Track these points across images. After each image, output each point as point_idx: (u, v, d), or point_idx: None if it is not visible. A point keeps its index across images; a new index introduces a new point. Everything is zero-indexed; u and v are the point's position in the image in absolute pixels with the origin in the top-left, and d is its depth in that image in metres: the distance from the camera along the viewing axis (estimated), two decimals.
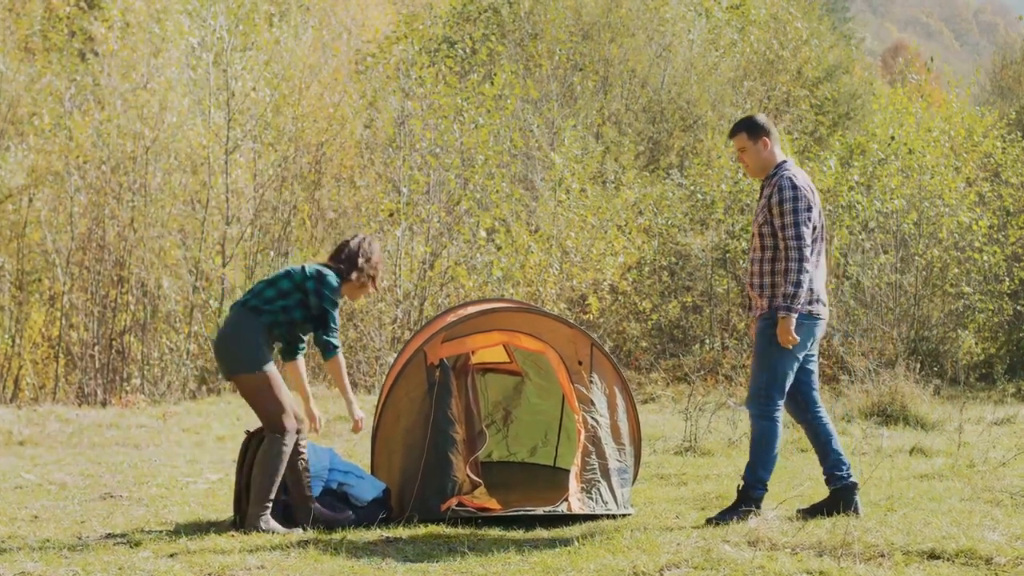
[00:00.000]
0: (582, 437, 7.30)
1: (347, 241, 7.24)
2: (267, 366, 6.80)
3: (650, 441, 11.10)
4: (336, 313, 6.97)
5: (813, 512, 7.03)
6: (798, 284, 6.78)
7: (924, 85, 22.58)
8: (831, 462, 7.10)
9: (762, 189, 7.09)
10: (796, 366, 7.00)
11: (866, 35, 63.82)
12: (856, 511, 6.99)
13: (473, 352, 7.84)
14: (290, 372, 7.17)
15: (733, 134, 7.18)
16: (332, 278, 6.97)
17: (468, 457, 7.49)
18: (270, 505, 6.81)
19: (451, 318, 7.87)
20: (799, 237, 6.79)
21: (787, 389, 7.03)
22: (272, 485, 6.79)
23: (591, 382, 7.45)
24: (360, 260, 7.13)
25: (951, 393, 16.35)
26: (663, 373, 18.20)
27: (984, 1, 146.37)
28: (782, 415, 7.04)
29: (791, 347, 6.88)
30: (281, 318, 6.88)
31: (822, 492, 7.98)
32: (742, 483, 7.06)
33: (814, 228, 6.94)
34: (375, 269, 7.20)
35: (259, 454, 6.83)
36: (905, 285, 19.36)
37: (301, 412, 7.05)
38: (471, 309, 8.01)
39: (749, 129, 7.10)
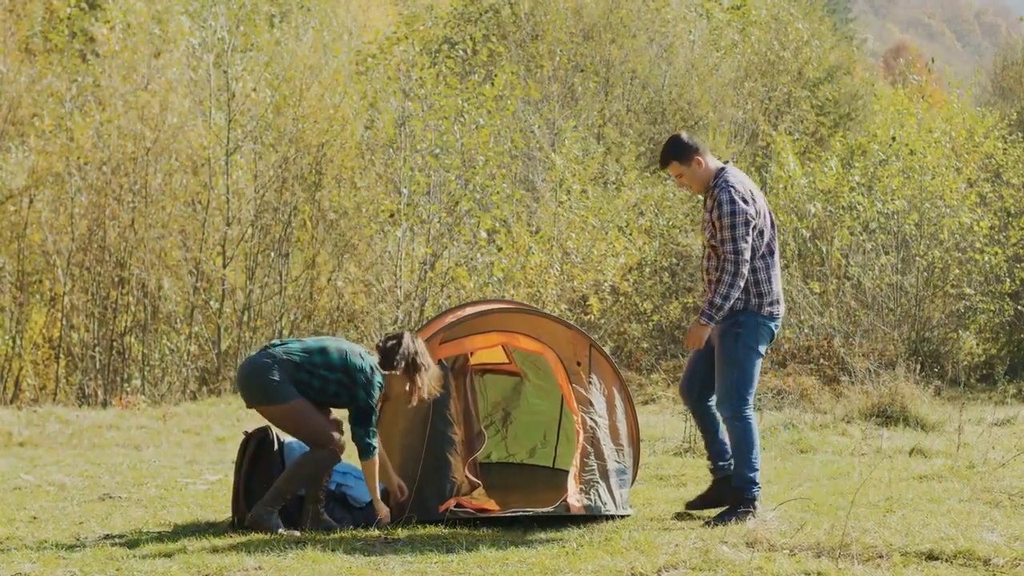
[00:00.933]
0: (581, 438, 7.29)
1: (399, 341, 7.05)
2: (292, 399, 6.81)
3: (650, 442, 11.08)
4: (376, 414, 6.94)
5: (701, 504, 7.25)
6: (726, 298, 6.87)
7: (925, 86, 22.57)
8: (716, 451, 7.31)
9: (705, 201, 7.09)
10: (760, 363, 7.12)
11: (868, 36, 63.80)
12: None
13: (472, 353, 7.83)
14: (363, 470, 7.04)
15: (665, 164, 7.11)
16: (379, 379, 6.94)
17: (467, 458, 7.48)
18: (283, 505, 6.83)
19: (450, 319, 7.86)
20: (737, 252, 6.84)
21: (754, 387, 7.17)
22: (296, 489, 6.86)
23: (590, 383, 7.44)
24: (421, 370, 6.99)
25: (952, 394, 16.34)
26: (664, 374, 18.20)
27: (986, 2, 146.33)
28: (754, 411, 7.16)
29: (757, 347, 7.01)
30: (316, 384, 6.87)
31: (821, 492, 8.01)
32: (736, 486, 7.09)
33: (761, 232, 6.99)
34: (424, 384, 7.04)
35: (302, 456, 6.88)
36: (906, 286, 19.35)
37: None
38: (469, 310, 8.01)
39: (678, 155, 7.03)
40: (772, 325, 7.08)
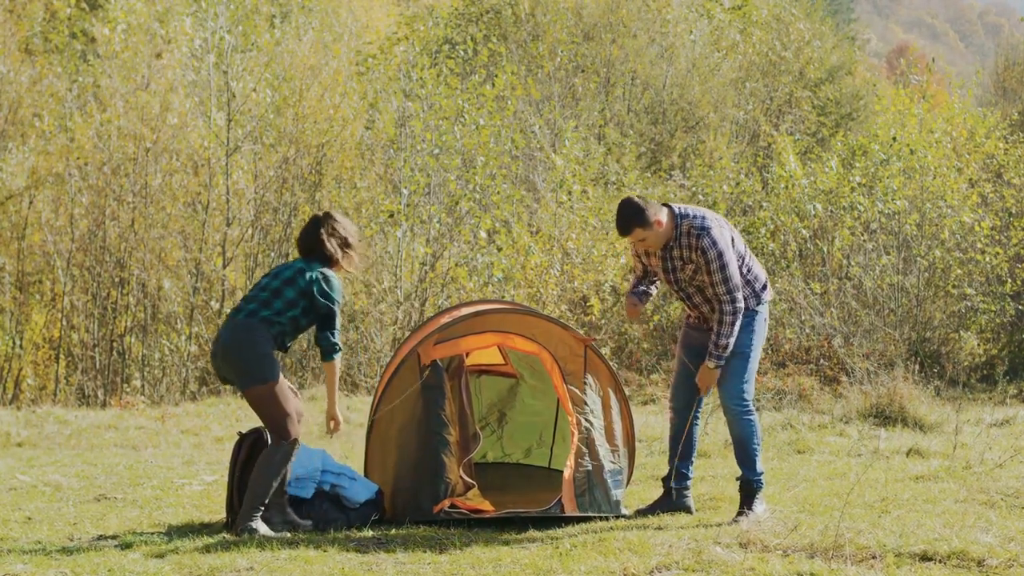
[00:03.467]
0: (575, 439, 7.29)
1: (316, 235, 7.07)
2: (279, 375, 6.82)
3: (647, 442, 11.07)
4: (338, 314, 6.96)
5: (652, 510, 7.43)
6: (731, 335, 7.02)
7: (927, 86, 22.53)
8: (689, 462, 7.50)
9: (671, 249, 7.12)
10: None
11: (871, 36, 63.73)
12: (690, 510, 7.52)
13: (467, 354, 7.83)
14: (326, 372, 7.08)
15: (627, 232, 7.04)
16: (335, 279, 6.96)
17: (461, 459, 7.48)
18: (263, 509, 6.80)
19: (445, 319, 7.86)
20: (731, 291, 7.00)
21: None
22: (269, 490, 6.80)
23: (585, 383, 7.43)
24: (347, 245, 7.06)
25: (952, 394, 16.30)
26: (664, 374, 18.17)
27: (989, 2, 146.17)
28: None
29: (762, 339, 7.27)
30: (288, 327, 6.89)
31: (817, 493, 7.99)
32: (745, 482, 7.15)
33: (733, 241, 7.15)
34: (353, 247, 7.09)
35: (262, 456, 6.84)
36: (907, 286, 19.31)
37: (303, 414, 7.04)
38: (465, 310, 8.00)
39: (641, 221, 6.99)
40: (767, 306, 7.32)
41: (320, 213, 7.19)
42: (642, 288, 7.49)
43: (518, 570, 5.88)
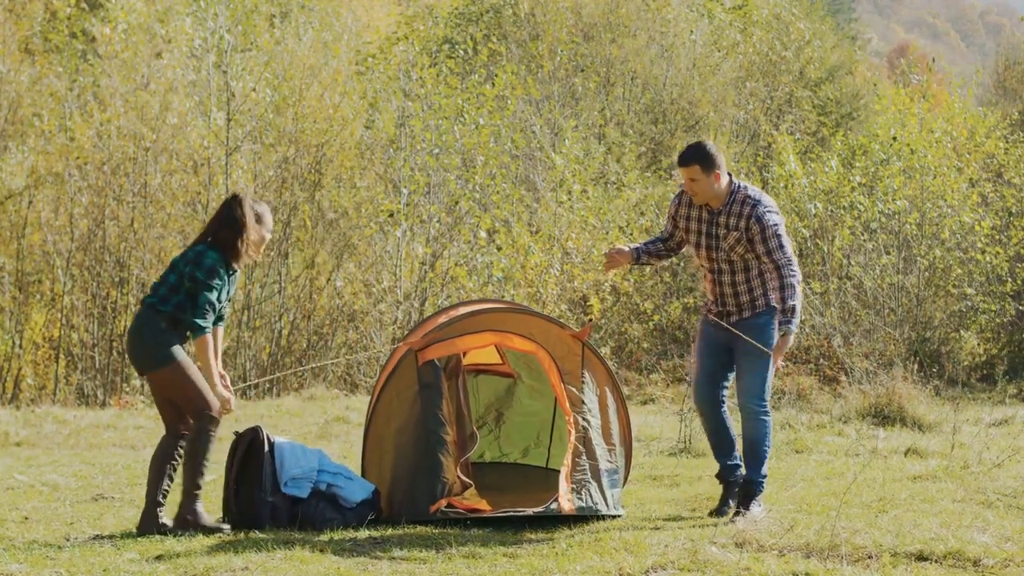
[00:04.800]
0: (572, 438, 7.28)
1: (218, 215, 6.96)
2: (177, 355, 6.75)
3: (646, 442, 11.08)
4: (208, 295, 6.75)
5: (721, 508, 7.32)
6: (795, 298, 6.97)
7: (927, 86, 22.53)
8: (736, 455, 7.41)
9: (717, 217, 7.11)
10: None
11: (872, 36, 63.74)
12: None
13: (465, 353, 7.82)
14: (196, 347, 6.92)
15: (686, 163, 7.03)
16: (209, 260, 6.77)
17: (458, 458, 7.47)
18: (199, 494, 6.82)
19: (443, 319, 7.85)
20: (790, 257, 7.00)
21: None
22: (201, 473, 6.82)
23: (583, 383, 7.42)
24: (239, 235, 6.87)
25: (952, 394, 16.30)
26: (664, 374, 18.17)
27: (990, 2, 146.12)
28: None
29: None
30: (179, 314, 6.78)
31: (815, 492, 7.99)
32: (747, 482, 7.13)
33: None
34: (245, 227, 6.87)
35: (187, 444, 6.82)
36: (907, 286, 19.31)
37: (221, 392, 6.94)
38: (463, 310, 7.99)
39: (703, 162, 6.99)
40: None
41: (230, 195, 7.04)
42: (645, 250, 7.41)
43: (514, 570, 5.87)
